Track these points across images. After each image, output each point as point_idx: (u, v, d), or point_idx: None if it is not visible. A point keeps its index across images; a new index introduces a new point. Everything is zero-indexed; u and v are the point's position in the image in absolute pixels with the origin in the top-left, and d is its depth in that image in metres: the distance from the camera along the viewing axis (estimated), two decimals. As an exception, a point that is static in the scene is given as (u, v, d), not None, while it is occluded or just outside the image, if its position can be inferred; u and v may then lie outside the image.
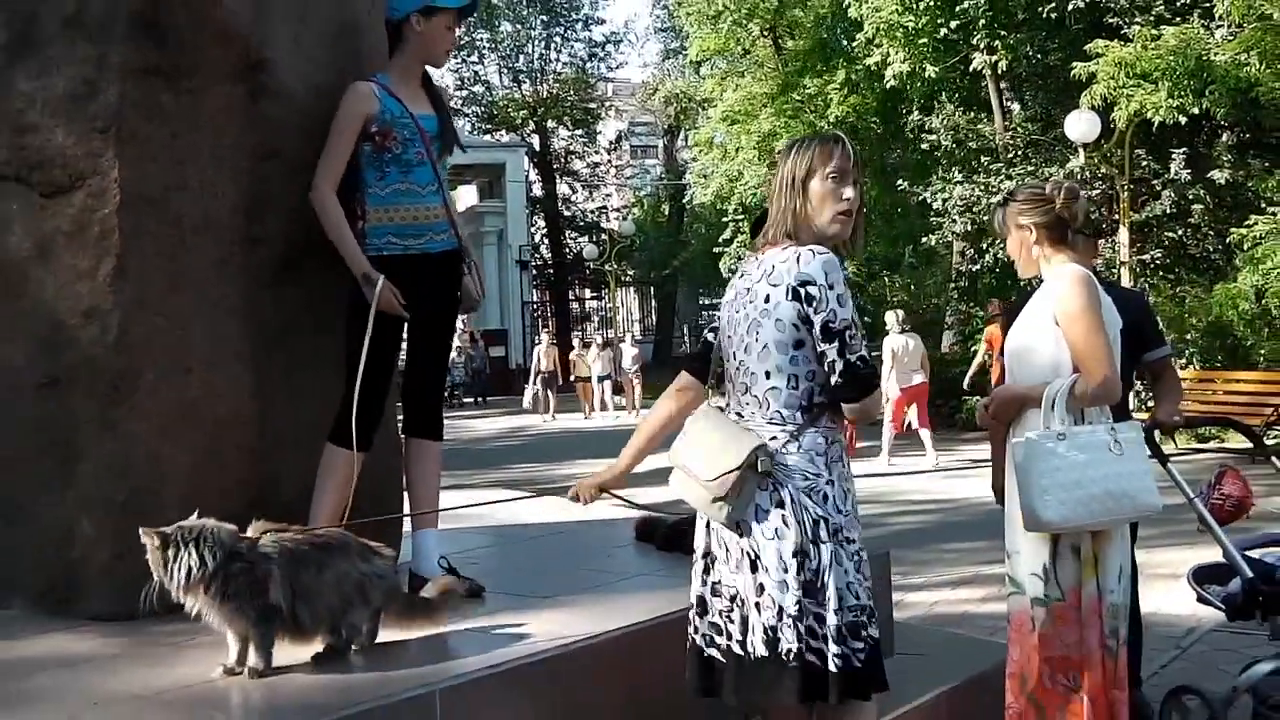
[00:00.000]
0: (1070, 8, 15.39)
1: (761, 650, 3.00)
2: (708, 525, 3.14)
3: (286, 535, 3.33)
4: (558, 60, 43.39)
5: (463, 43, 43.13)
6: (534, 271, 42.26)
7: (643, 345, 31.81)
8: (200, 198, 3.99)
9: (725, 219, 25.58)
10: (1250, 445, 5.51)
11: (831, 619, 3.00)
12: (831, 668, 2.99)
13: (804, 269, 3.01)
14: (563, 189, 44.38)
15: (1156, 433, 4.95)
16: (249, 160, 4.09)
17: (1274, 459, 5.09)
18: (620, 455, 3.42)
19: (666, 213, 44.09)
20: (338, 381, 4.27)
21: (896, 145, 21.50)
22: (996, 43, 16.51)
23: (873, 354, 3.45)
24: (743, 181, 24.10)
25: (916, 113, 19.10)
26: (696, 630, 3.15)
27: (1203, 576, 4.87)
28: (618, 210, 46.50)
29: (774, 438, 3.04)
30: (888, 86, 18.80)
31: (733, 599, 3.08)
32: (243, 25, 3.98)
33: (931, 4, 16.65)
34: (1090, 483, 3.60)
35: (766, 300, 3.06)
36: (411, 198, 4.22)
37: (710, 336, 3.35)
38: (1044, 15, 15.81)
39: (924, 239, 18.79)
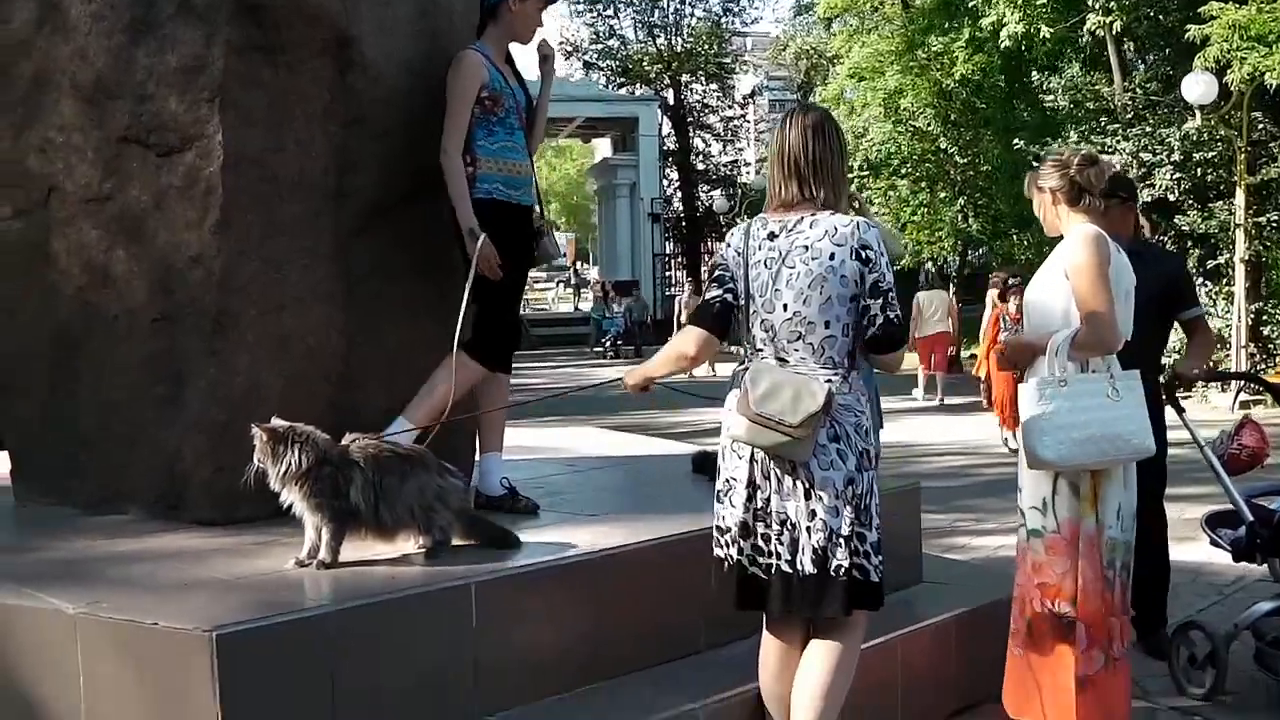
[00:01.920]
0: (1191, -32, 15.23)
1: (810, 568, 3.47)
2: (753, 456, 3.52)
3: (373, 446, 3.89)
4: (692, 14, 43.49)
5: (600, -3, 43.73)
6: (666, 224, 42.66)
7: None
8: (294, 158, 4.54)
9: (850, 175, 25.60)
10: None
11: (873, 535, 3.56)
12: (874, 578, 3.54)
13: (864, 235, 3.49)
14: (696, 143, 44.56)
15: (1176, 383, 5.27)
16: (337, 126, 4.63)
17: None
18: (656, 361, 3.81)
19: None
20: (413, 323, 4.87)
21: (1021, 104, 21.37)
22: (1112, 3, 16.33)
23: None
24: (868, 138, 24.19)
25: (1036, 73, 19.02)
26: (741, 551, 3.54)
27: (1215, 522, 5.18)
28: (750, 164, 46.57)
29: (829, 380, 3.47)
30: (1002, 47, 18.71)
31: (783, 523, 3.50)
32: (332, 7, 4.51)
33: (1048, -35, 16.64)
34: (1087, 425, 3.97)
35: (832, 258, 3.45)
36: (516, 154, 4.84)
37: (729, 298, 3.58)
38: (1163, -24, 15.74)
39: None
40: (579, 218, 70.16)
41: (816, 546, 3.46)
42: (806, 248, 3.48)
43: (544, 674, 3.80)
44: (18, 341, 5.04)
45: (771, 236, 3.54)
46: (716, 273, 3.65)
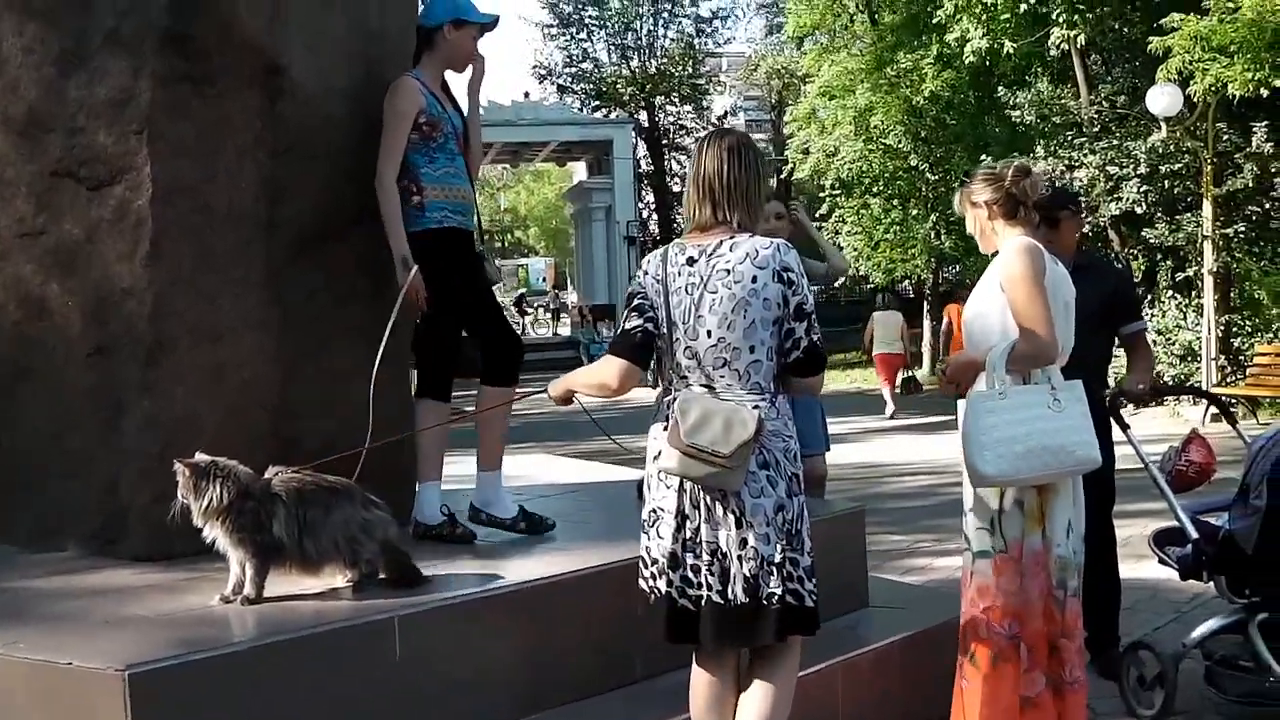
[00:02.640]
0: (1151, -21, 15.33)
1: (742, 598, 3.41)
2: (681, 486, 3.46)
3: (296, 478, 3.86)
4: (665, 36, 43.69)
5: (571, 20, 43.81)
6: (642, 247, 42.71)
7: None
8: (225, 188, 4.52)
9: (822, 194, 25.74)
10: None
11: (805, 560, 3.51)
12: (809, 603, 3.50)
13: (785, 256, 3.47)
14: (671, 164, 44.67)
15: (1121, 400, 5.26)
16: (268, 154, 4.61)
17: (1236, 425, 5.37)
18: (579, 379, 3.75)
19: (773, 187, 44.30)
20: (352, 351, 4.84)
21: (991, 119, 21.44)
22: (1076, 17, 16.39)
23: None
24: (839, 157, 24.22)
25: (1002, 88, 19.09)
26: (670, 583, 3.48)
27: (1163, 539, 5.17)
28: (725, 185, 46.63)
29: (756, 406, 3.42)
30: (967, 62, 18.80)
31: (714, 553, 3.44)
32: (259, 37, 4.49)
33: (1011, -22, 16.70)
34: (1027, 438, 3.92)
35: (754, 281, 3.41)
36: (459, 180, 4.85)
37: (650, 327, 3.50)
38: (1125, -13, 15.82)
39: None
40: (558, 242, 70.03)
41: (748, 575, 3.42)
42: (728, 271, 3.43)
43: (472, 707, 3.76)
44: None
45: (690, 261, 3.49)
46: (635, 301, 3.56)
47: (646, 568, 3.56)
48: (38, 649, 3.32)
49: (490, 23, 4.90)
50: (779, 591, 3.43)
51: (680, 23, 43.85)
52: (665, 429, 3.44)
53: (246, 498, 3.70)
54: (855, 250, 24.89)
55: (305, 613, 3.64)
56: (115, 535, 4.54)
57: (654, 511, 3.54)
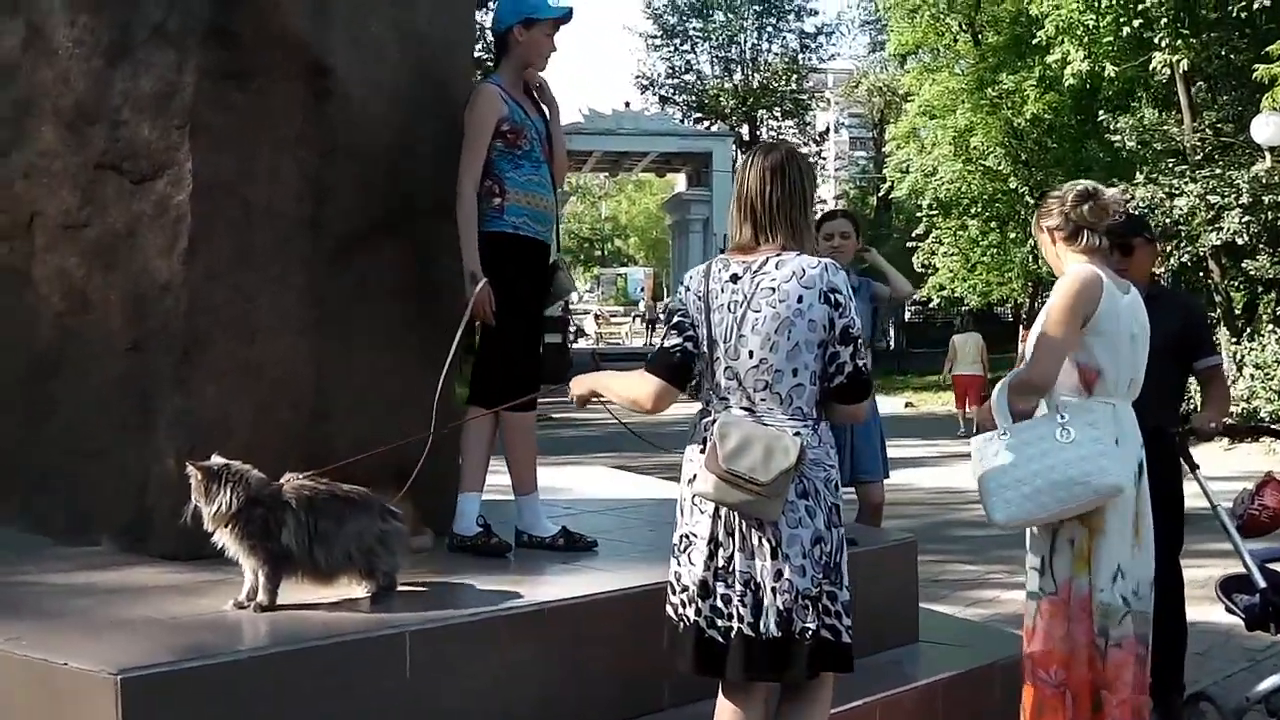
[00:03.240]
0: (1256, 6, 14.76)
1: (775, 631, 3.22)
2: (716, 512, 3.28)
3: (309, 486, 3.76)
4: (769, 50, 43.53)
5: (675, 31, 43.79)
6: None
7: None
8: (266, 186, 4.46)
9: (919, 214, 25.43)
10: None
11: (844, 595, 3.33)
12: (845, 640, 3.31)
13: (832, 277, 3.28)
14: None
15: (1191, 439, 5.01)
16: (311, 153, 4.54)
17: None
18: (611, 385, 3.56)
19: (874, 205, 43.95)
20: (390, 353, 4.76)
21: (1093, 144, 20.98)
22: (1179, 42, 15.93)
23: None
24: (938, 177, 23.90)
25: (1101, 113, 18.64)
26: (699, 612, 3.30)
27: (1231, 586, 4.89)
28: (825, 201, 46.30)
29: (797, 433, 3.24)
30: (1068, 85, 18.38)
31: (746, 584, 3.25)
32: (304, 33, 4.43)
33: (1114, 2, 16.18)
34: (1035, 476, 3.73)
35: (800, 301, 3.23)
36: (542, 189, 4.74)
37: (690, 346, 3.35)
38: (1232, 14, 15.23)
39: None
40: (658, 252, 70.04)
41: (781, 608, 3.23)
42: (773, 289, 3.26)
43: (486, 726, 3.64)
44: None
45: (734, 278, 3.31)
46: (675, 318, 3.39)
47: (675, 594, 3.39)
48: (39, 646, 3.24)
49: (564, 16, 4.78)
50: (813, 626, 3.25)
51: (784, 37, 43.73)
52: (702, 451, 3.29)
53: (255, 504, 3.60)
54: (951, 271, 24.54)
55: (315, 623, 3.53)
56: (144, 532, 4.49)
57: (686, 537, 3.37)
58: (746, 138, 43.86)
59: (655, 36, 44.31)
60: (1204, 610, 5.75)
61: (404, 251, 4.83)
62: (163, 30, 4.37)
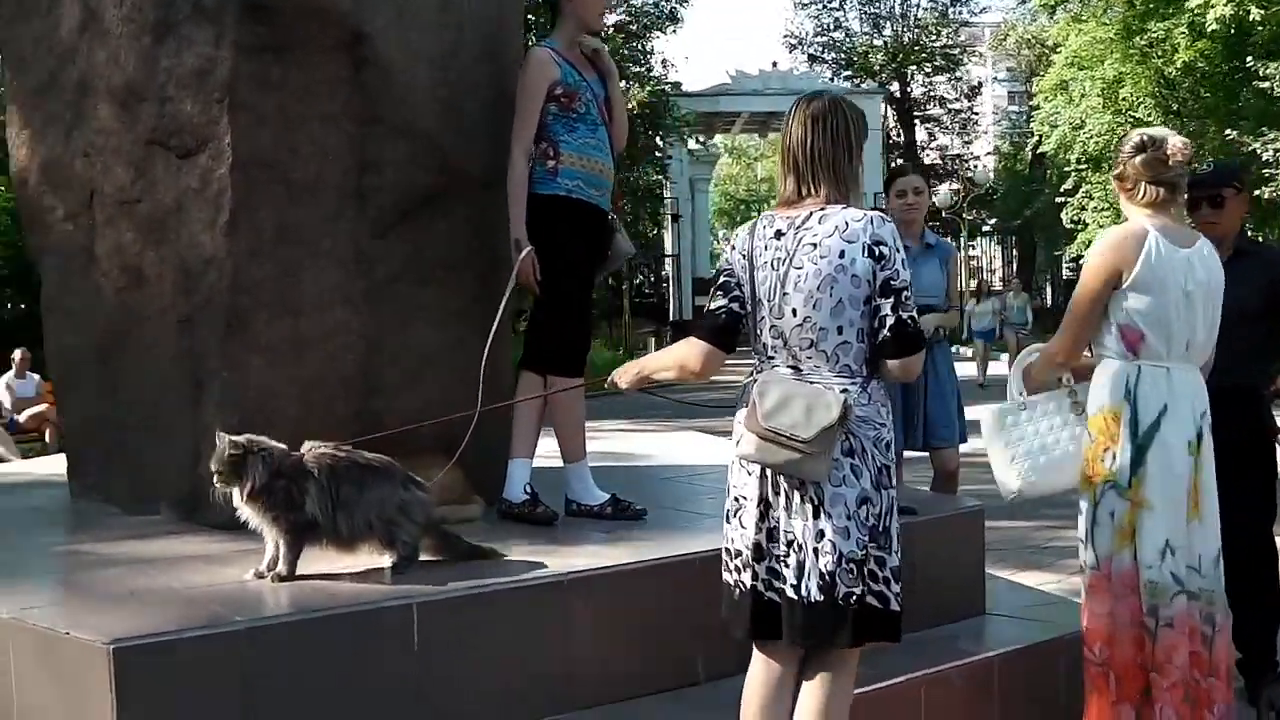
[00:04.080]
0: None
1: (816, 595, 3.13)
2: (763, 473, 3.21)
3: (331, 454, 3.77)
4: (918, 5, 42.61)
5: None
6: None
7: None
8: (309, 159, 4.47)
9: (1068, 169, 24.59)
10: None
11: (893, 560, 3.20)
12: (895, 607, 3.20)
13: (878, 230, 3.14)
14: (922, 136, 43.63)
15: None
16: (354, 125, 4.52)
17: None
18: (653, 361, 3.53)
19: (1028, 160, 42.79)
20: (441, 328, 4.75)
21: (1248, 92, 19.97)
22: (1334, -21, 15.05)
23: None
24: (1085, 130, 23.08)
25: (1251, 59, 17.70)
26: (756, 576, 3.22)
27: None
28: (979, 158, 45.27)
29: (845, 390, 3.13)
30: (1210, 30, 17.49)
31: (789, 544, 3.17)
32: (341, 4, 4.41)
33: (1259, -59, 15.38)
34: (1055, 445, 3.57)
35: (842, 256, 3.12)
36: (599, 152, 4.68)
37: (735, 307, 3.27)
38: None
39: (1255, 192, 17.48)
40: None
41: (824, 571, 3.13)
42: (814, 245, 3.14)
43: (501, 703, 3.59)
44: (73, 341, 5.14)
45: (778, 235, 3.22)
46: (721, 279, 3.30)
47: (731, 559, 3.30)
48: (50, 616, 3.32)
49: None
50: (858, 591, 3.13)
51: (935, -9, 42.72)
52: (747, 412, 3.19)
53: (278, 476, 3.62)
54: (1101, 227, 23.66)
55: (323, 594, 3.53)
56: (198, 503, 4.55)
57: (737, 500, 3.28)
58: (897, 95, 43.06)
59: (803, -5, 43.75)
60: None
61: (459, 223, 4.80)
62: (200, 6, 4.40)
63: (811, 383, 3.15)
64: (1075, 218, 24.82)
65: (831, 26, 44.14)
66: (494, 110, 4.71)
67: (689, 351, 3.34)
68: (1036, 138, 26.39)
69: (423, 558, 3.84)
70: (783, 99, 41.02)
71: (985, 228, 41.18)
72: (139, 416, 4.83)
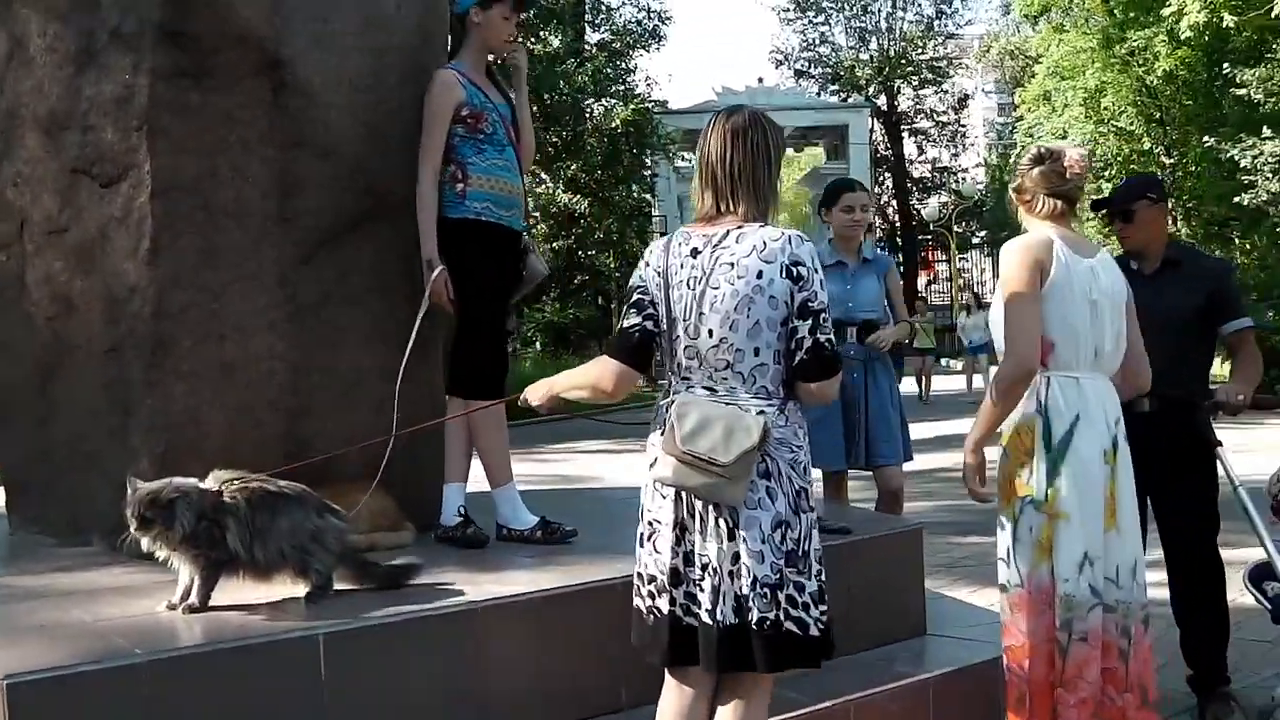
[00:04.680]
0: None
1: (731, 619, 3.09)
2: (678, 496, 3.15)
3: (246, 486, 3.71)
4: (904, 19, 42.62)
5: (808, 4, 43.13)
6: (880, 233, 41.85)
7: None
8: (231, 184, 4.45)
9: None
10: None
11: (812, 585, 3.15)
12: (814, 632, 3.13)
13: (795, 250, 3.11)
14: (910, 149, 43.68)
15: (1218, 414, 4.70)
16: (276, 149, 4.50)
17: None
18: (565, 380, 3.43)
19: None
20: (369, 350, 4.72)
21: (1228, 100, 19.97)
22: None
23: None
24: (1068, 141, 23.03)
25: (1229, 66, 17.71)
26: (673, 601, 3.17)
27: (1260, 575, 4.58)
28: (966, 170, 45.28)
29: (761, 412, 3.09)
30: (1184, 38, 17.49)
31: (704, 568, 3.12)
32: (259, 28, 4.40)
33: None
34: None
35: (759, 276, 3.08)
36: (508, 173, 4.69)
37: (650, 325, 3.21)
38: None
39: (1236, 198, 17.45)
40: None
41: (738, 595, 3.09)
42: (732, 265, 3.10)
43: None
44: (8, 372, 5.10)
45: (694, 253, 3.16)
46: (634, 296, 3.24)
47: (645, 584, 3.25)
48: (-47, 653, 3.28)
49: None
50: (772, 616, 3.08)
51: (919, 4, 42.72)
52: (662, 434, 3.14)
53: (200, 519, 3.58)
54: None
55: (232, 626, 3.49)
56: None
57: (651, 524, 3.23)
58: (884, 108, 43.10)
59: (788, 10, 43.74)
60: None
61: (386, 246, 4.77)
62: (119, 34, 4.39)
63: (728, 404, 3.11)
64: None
65: (818, 41, 44.23)
66: (419, 133, 4.68)
67: (601, 371, 3.29)
68: (1019, 148, 26.35)
69: (341, 586, 3.80)
70: (771, 114, 41.23)
71: (975, 239, 41.17)
72: (71, 447, 4.79)
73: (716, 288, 3.11)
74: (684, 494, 3.14)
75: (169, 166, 4.36)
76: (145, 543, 3.58)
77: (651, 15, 30.70)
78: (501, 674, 3.74)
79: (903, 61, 42.34)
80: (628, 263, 29.64)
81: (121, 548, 3.66)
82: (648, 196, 34.29)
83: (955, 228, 37.64)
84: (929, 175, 43.85)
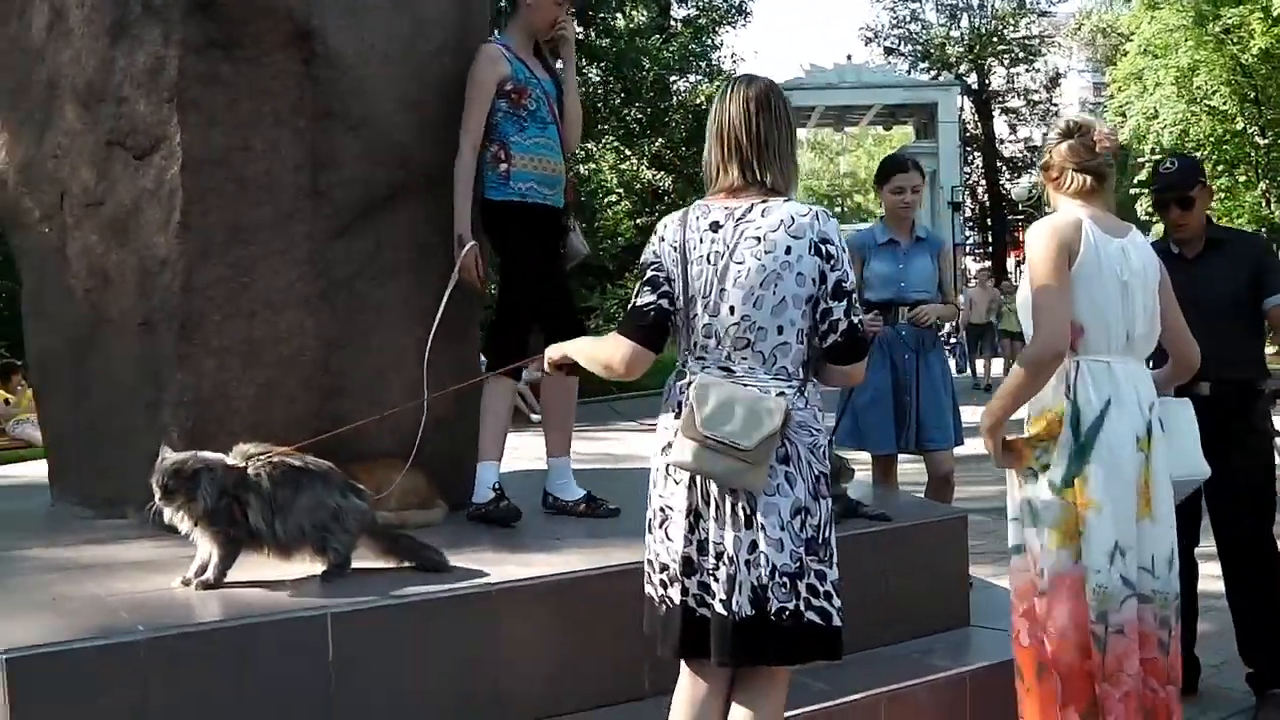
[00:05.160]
0: None
1: (747, 610, 2.94)
2: (693, 481, 3.00)
3: (268, 460, 3.67)
4: (996, -5, 41.93)
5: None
6: (968, 213, 41.29)
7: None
8: (262, 157, 4.40)
9: (1141, 159, 23.96)
10: None
11: (833, 574, 3.03)
12: (837, 623, 3.01)
13: (824, 227, 2.98)
14: (1001, 128, 42.98)
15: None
16: (307, 121, 4.44)
17: None
18: (581, 349, 3.29)
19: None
20: (404, 328, 4.66)
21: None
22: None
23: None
24: (1159, 120, 22.49)
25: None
26: (685, 591, 3.02)
27: None
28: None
29: (781, 393, 2.96)
30: (1274, 14, 16.94)
31: (719, 556, 2.98)
32: (289, -1, 4.33)
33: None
34: None
35: (788, 252, 2.94)
36: (550, 151, 4.63)
37: (665, 304, 3.04)
38: None
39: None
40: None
41: (755, 585, 2.95)
42: (758, 239, 2.95)
43: (419, 716, 3.48)
44: (49, 344, 5.12)
45: (715, 227, 3.00)
46: (649, 273, 3.05)
47: (655, 574, 3.12)
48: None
49: None
50: (791, 606, 2.95)
51: (1012, -21, 41.90)
52: (677, 417, 3.00)
53: (222, 494, 3.54)
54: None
55: (238, 603, 3.45)
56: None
57: (662, 510, 3.08)
58: (975, 87, 42.39)
59: (879, -14, 43.21)
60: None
61: (421, 221, 4.71)
62: (150, 5, 4.36)
63: (746, 385, 2.97)
64: (1150, 210, 24.12)
65: (908, 18, 43.57)
66: (457, 105, 4.59)
67: (614, 352, 3.12)
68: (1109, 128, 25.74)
69: (377, 564, 3.76)
70: (857, 92, 40.85)
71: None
72: (107, 419, 4.79)
73: (741, 262, 2.96)
74: (699, 479, 3.00)
75: (200, 139, 4.32)
76: (168, 513, 3.56)
77: (738, -9, 30.31)
78: (519, 657, 3.66)
79: (994, 39, 41.54)
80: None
81: (148, 518, 3.59)
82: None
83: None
84: (1019, 155, 43.06)
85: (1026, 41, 41.92)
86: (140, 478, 4.50)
